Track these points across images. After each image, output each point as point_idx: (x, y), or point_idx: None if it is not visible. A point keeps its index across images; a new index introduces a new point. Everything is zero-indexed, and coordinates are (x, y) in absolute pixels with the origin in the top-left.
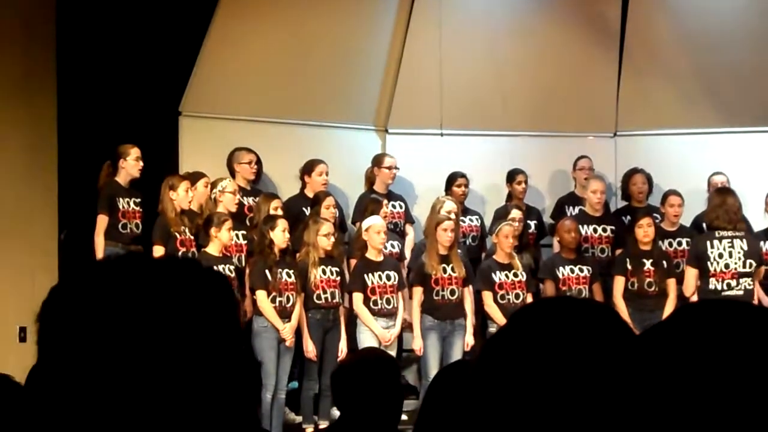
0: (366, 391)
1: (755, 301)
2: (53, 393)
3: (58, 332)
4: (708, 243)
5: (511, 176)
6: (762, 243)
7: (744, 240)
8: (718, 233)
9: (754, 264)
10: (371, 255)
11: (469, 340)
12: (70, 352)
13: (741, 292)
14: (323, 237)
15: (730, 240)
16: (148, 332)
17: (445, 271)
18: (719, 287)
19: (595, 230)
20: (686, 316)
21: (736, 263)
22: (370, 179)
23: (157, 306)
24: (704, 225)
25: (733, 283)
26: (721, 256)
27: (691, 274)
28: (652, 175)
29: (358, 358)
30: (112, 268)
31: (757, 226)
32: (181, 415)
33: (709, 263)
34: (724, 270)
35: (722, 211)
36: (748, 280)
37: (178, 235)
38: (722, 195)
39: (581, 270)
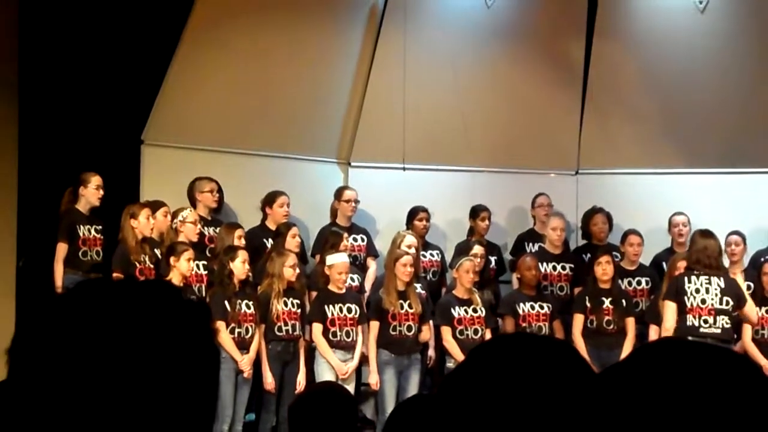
0: (322, 425)
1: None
2: (22, 416)
3: (28, 366)
4: (685, 278)
5: (475, 212)
6: None
7: (721, 278)
8: (696, 270)
9: (731, 302)
10: (333, 287)
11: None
12: (39, 383)
13: (718, 330)
14: (288, 268)
15: (707, 277)
16: (116, 358)
17: (402, 306)
18: (696, 323)
19: (554, 268)
20: (646, 356)
21: (712, 299)
22: (334, 212)
23: (126, 332)
24: (664, 265)
25: (710, 319)
26: (697, 291)
27: (670, 309)
28: (613, 213)
29: (315, 391)
30: (90, 294)
31: None
32: None
33: (685, 298)
34: (700, 306)
35: (704, 254)
36: (726, 318)
37: (138, 264)
38: (705, 238)
39: (541, 307)
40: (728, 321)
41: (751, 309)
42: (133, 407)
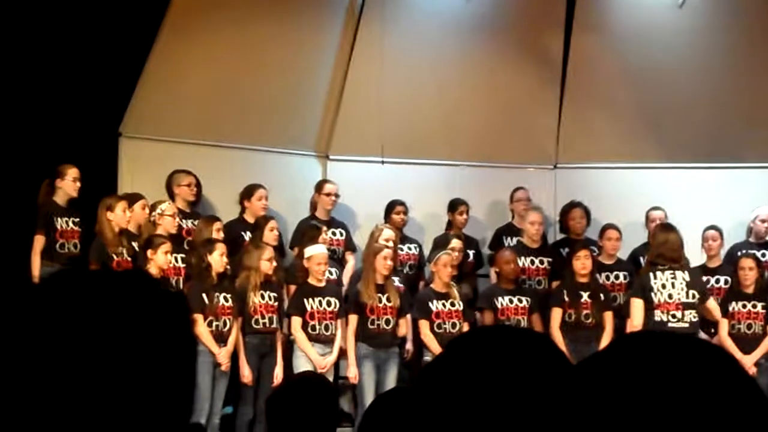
0: (300, 415)
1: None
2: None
3: (7, 352)
4: (651, 274)
5: (453, 206)
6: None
7: (686, 272)
8: (660, 266)
9: (697, 295)
10: (312, 280)
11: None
12: (13, 373)
13: (686, 325)
14: (265, 261)
15: (672, 272)
16: (93, 350)
17: (380, 300)
18: (664, 318)
19: (532, 262)
20: (623, 348)
21: (679, 294)
22: (313, 205)
23: (102, 323)
24: (642, 259)
25: (678, 314)
26: (663, 286)
27: (637, 305)
28: (591, 208)
29: (294, 381)
30: (66, 284)
31: (694, 262)
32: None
33: (652, 294)
34: (668, 301)
35: (665, 248)
36: (693, 312)
37: (115, 257)
38: (666, 232)
39: (520, 300)
40: (695, 315)
41: (713, 304)
42: (111, 397)
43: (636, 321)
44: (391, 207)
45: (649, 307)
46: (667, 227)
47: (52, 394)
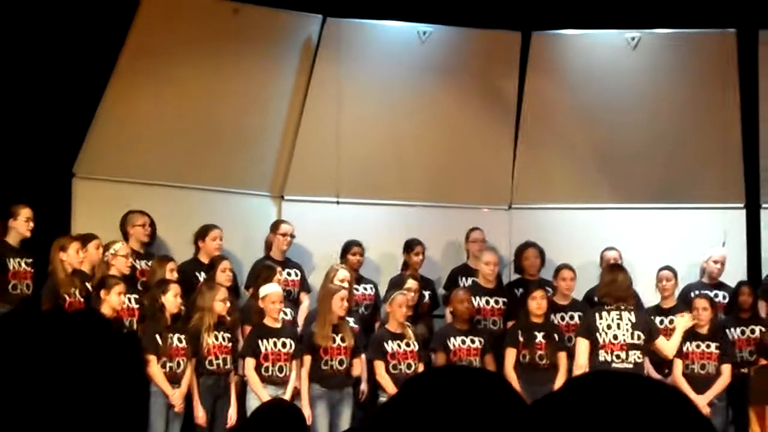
0: None
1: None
2: None
3: None
4: (597, 315)
5: (409, 246)
6: (653, 317)
7: (632, 312)
8: (607, 306)
9: (643, 336)
10: (268, 321)
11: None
12: None
13: (630, 365)
14: (219, 302)
15: (618, 312)
16: (43, 388)
17: (334, 340)
18: (609, 359)
19: (487, 302)
20: (576, 388)
21: (624, 335)
22: (268, 245)
23: (52, 363)
24: (595, 299)
25: (623, 354)
26: (609, 327)
27: (582, 346)
28: (546, 248)
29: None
30: (17, 325)
31: (648, 302)
32: None
33: (597, 335)
34: (612, 341)
35: (613, 287)
36: (638, 353)
37: (67, 297)
38: (613, 272)
39: (473, 341)
40: (640, 356)
41: (663, 343)
42: None
43: (581, 361)
44: (347, 248)
45: (594, 347)
46: (614, 267)
47: None
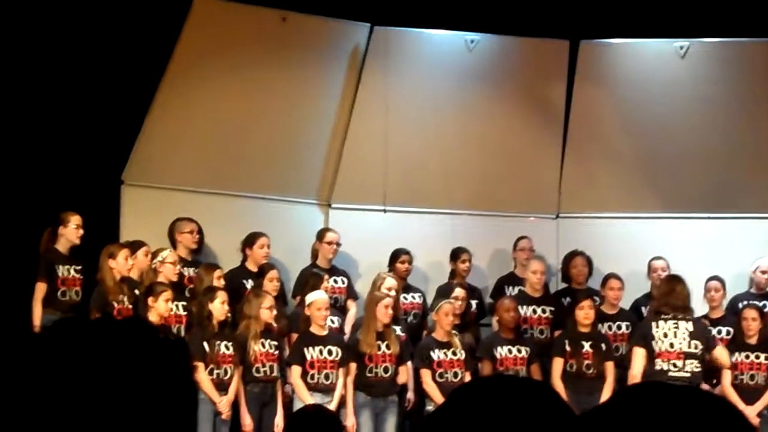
0: None
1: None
2: None
3: (8, 400)
4: (653, 323)
5: (456, 254)
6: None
7: (689, 322)
8: (664, 315)
9: (700, 345)
10: (315, 329)
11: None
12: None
13: (688, 374)
14: (265, 310)
15: (675, 321)
16: (93, 398)
17: (379, 348)
18: (665, 367)
19: (534, 311)
20: (627, 400)
21: (681, 343)
22: (315, 254)
23: (104, 371)
24: (643, 309)
25: (679, 363)
26: (665, 335)
27: (638, 355)
28: (593, 257)
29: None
30: (67, 333)
31: (696, 312)
32: None
33: (654, 343)
34: (669, 350)
35: (671, 297)
36: (695, 362)
37: (116, 304)
38: (672, 282)
39: (519, 350)
40: (698, 365)
41: (721, 353)
42: None
43: (635, 370)
44: (395, 256)
45: (651, 356)
46: (674, 278)
47: None
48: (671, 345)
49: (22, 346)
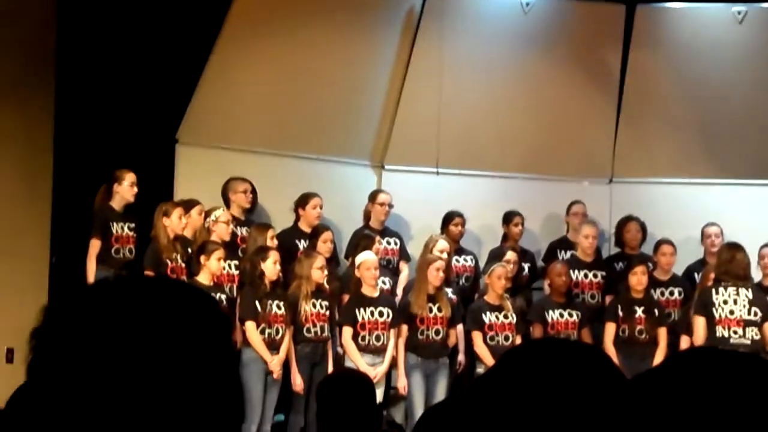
0: (345, 406)
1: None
2: (42, 415)
3: (51, 355)
4: (713, 290)
5: (508, 218)
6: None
7: (749, 289)
8: (724, 282)
9: (760, 313)
10: (366, 290)
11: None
12: (62, 375)
13: (748, 342)
14: (317, 270)
15: (735, 288)
16: (139, 356)
17: (431, 310)
18: (726, 334)
19: (585, 275)
20: (678, 364)
21: (740, 310)
22: (367, 215)
23: (148, 329)
24: (696, 276)
25: (740, 330)
26: (725, 302)
27: (699, 323)
28: (646, 222)
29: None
30: (103, 291)
31: None
32: None
33: (714, 309)
34: (729, 317)
35: (732, 266)
36: (755, 329)
37: (169, 262)
38: (732, 250)
39: (570, 315)
40: (758, 332)
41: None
42: (153, 404)
43: (698, 339)
44: (449, 218)
45: (711, 323)
46: (734, 245)
47: (95, 400)
48: (731, 312)
49: (68, 299)
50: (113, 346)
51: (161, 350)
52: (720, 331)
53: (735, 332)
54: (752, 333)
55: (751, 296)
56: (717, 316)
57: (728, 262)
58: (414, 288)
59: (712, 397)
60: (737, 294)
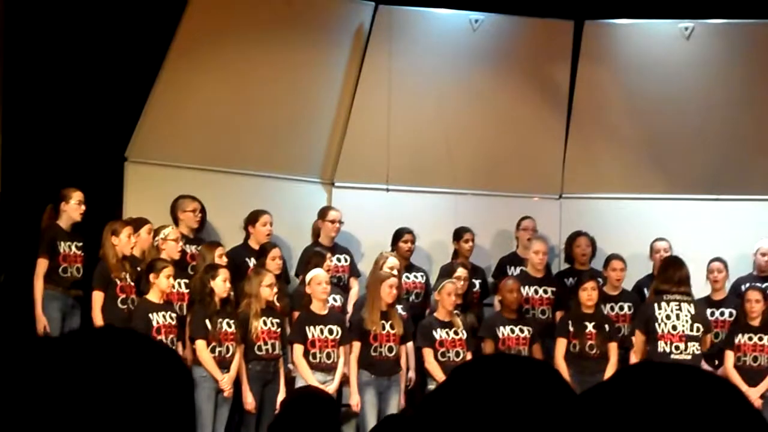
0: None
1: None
2: None
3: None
4: (655, 305)
5: (459, 234)
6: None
7: (692, 304)
8: (666, 296)
9: (702, 329)
10: (315, 308)
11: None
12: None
13: (689, 357)
14: (266, 288)
15: (678, 303)
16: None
17: (383, 327)
18: (667, 350)
19: (536, 291)
20: (627, 379)
21: (683, 326)
22: (316, 232)
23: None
24: (645, 290)
25: (681, 346)
26: (668, 317)
27: (639, 339)
28: (596, 238)
29: (294, 398)
30: (59, 351)
31: (699, 293)
32: None
33: (656, 325)
34: (671, 332)
35: (672, 280)
36: (696, 344)
37: (118, 281)
38: (673, 264)
39: (521, 330)
40: (698, 348)
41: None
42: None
43: (638, 354)
44: (398, 235)
45: (653, 338)
46: (675, 259)
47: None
48: (674, 327)
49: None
50: (69, 409)
51: (121, 412)
52: (662, 346)
53: (677, 347)
54: (693, 348)
55: (693, 311)
56: (659, 331)
57: (669, 277)
58: (367, 305)
59: (659, 411)
60: (680, 309)
